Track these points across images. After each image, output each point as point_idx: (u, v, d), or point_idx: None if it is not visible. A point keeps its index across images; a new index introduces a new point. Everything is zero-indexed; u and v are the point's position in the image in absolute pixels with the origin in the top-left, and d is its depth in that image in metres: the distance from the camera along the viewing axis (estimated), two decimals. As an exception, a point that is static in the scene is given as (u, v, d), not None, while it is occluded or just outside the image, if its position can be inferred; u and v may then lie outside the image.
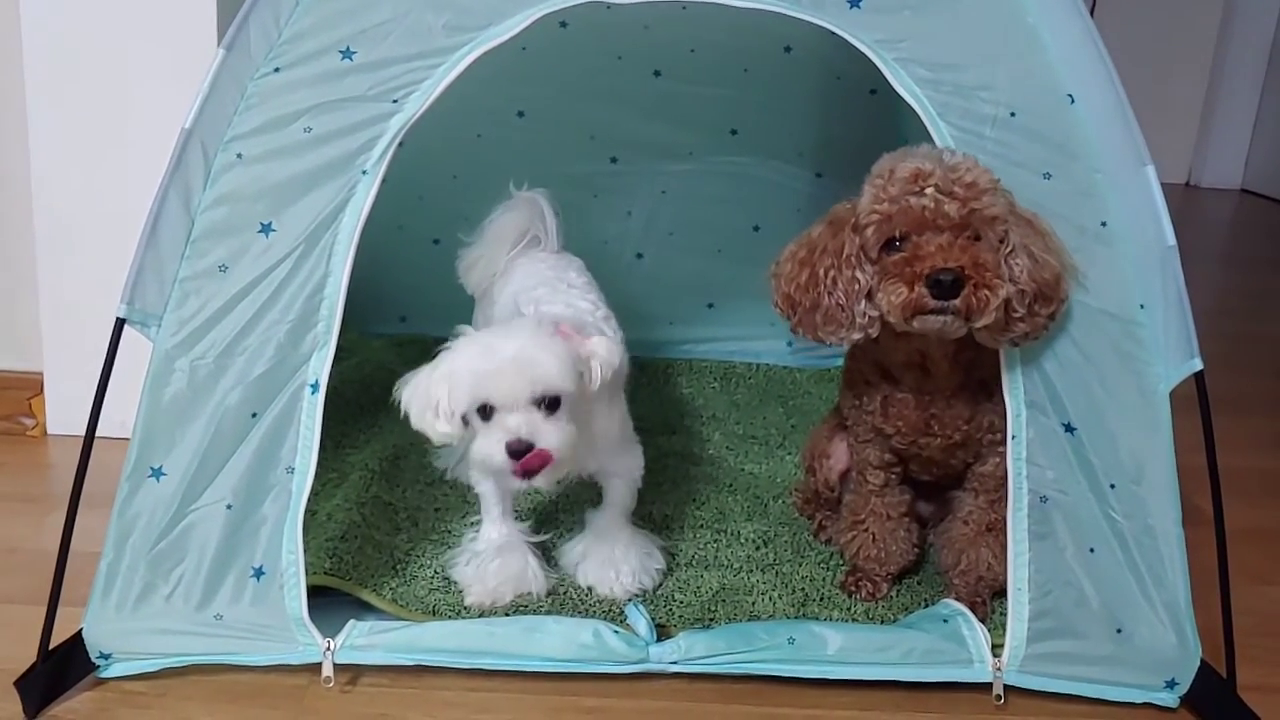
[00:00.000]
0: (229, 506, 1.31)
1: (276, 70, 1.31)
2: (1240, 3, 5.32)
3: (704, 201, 2.32)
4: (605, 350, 1.38)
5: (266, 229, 1.31)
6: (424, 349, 2.25)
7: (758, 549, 1.68)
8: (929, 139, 1.37)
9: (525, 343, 1.30)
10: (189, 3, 1.84)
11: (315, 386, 1.32)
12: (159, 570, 1.30)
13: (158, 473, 1.30)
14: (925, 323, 1.31)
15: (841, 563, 1.65)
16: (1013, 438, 1.36)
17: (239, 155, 1.31)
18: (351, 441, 1.91)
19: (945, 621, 1.43)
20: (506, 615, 1.46)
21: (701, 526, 1.74)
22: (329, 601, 1.42)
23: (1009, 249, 1.32)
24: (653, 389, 2.27)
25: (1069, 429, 1.36)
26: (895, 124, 1.95)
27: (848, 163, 2.19)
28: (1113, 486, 1.37)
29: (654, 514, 1.74)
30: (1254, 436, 2.43)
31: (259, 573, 1.32)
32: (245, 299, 1.30)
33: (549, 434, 1.28)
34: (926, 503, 1.66)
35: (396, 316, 2.36)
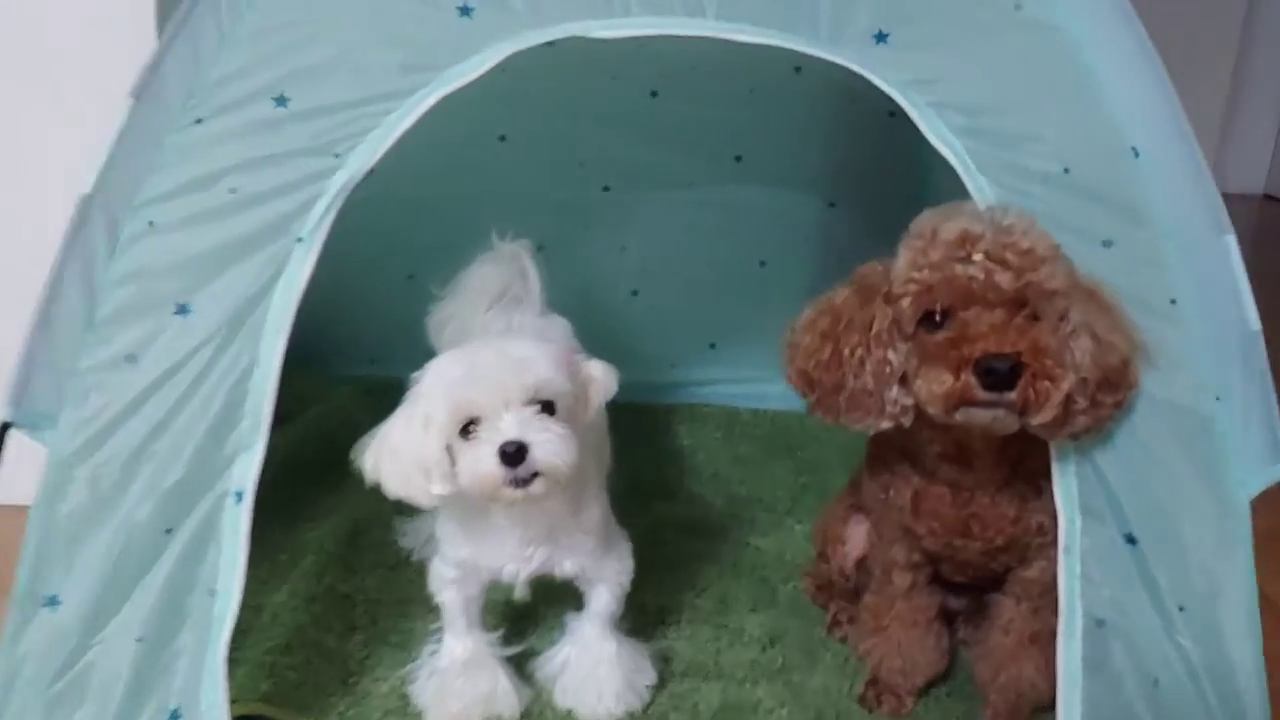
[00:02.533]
0: (139, 639, 1.11)
1: (198, 121, 1.12)
2: (1264, 2, 5.11)
3: (705, 234, 2.13)
4: (603, 375, 1.23)
5: (183, 310, 1.10)
6: (396, 395, 2.05)
7: (764, 650, 1.49)
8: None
9: (510, 344, 1.17)
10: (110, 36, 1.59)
11: (240, 496, 1.12)
12: (56, 715, 1.10)
13: (53, 601, 1.09)
14: (971, 416, 1.11)
15: (860, 666, 1.45)
16: (1065, 550, 1.17)
17: (151, 223, 1.11)
18: (310, 513, 1.71)
19: (983, 758, 1.24)
20: (473, 745, 1.26)
21: (701, 621, 1.54)
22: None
23: (1070, 328, 1.11)
24: (651, 440, 2.07)
25: (1131, 540, 1.17)
26: (916, 150, 1.73)
27: (864, 191, 2.09)
28: (1181, 609, 1.18)
29: (647, 604, 1.54)
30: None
31: (175, 716, 1.11)
32: (157, 394, 1.10)
33: (546, 431, 1.11)
34: (957, 597, 1.46)
35: (366, 358, 2.16)
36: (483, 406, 1.10)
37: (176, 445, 1.10)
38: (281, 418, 1.96)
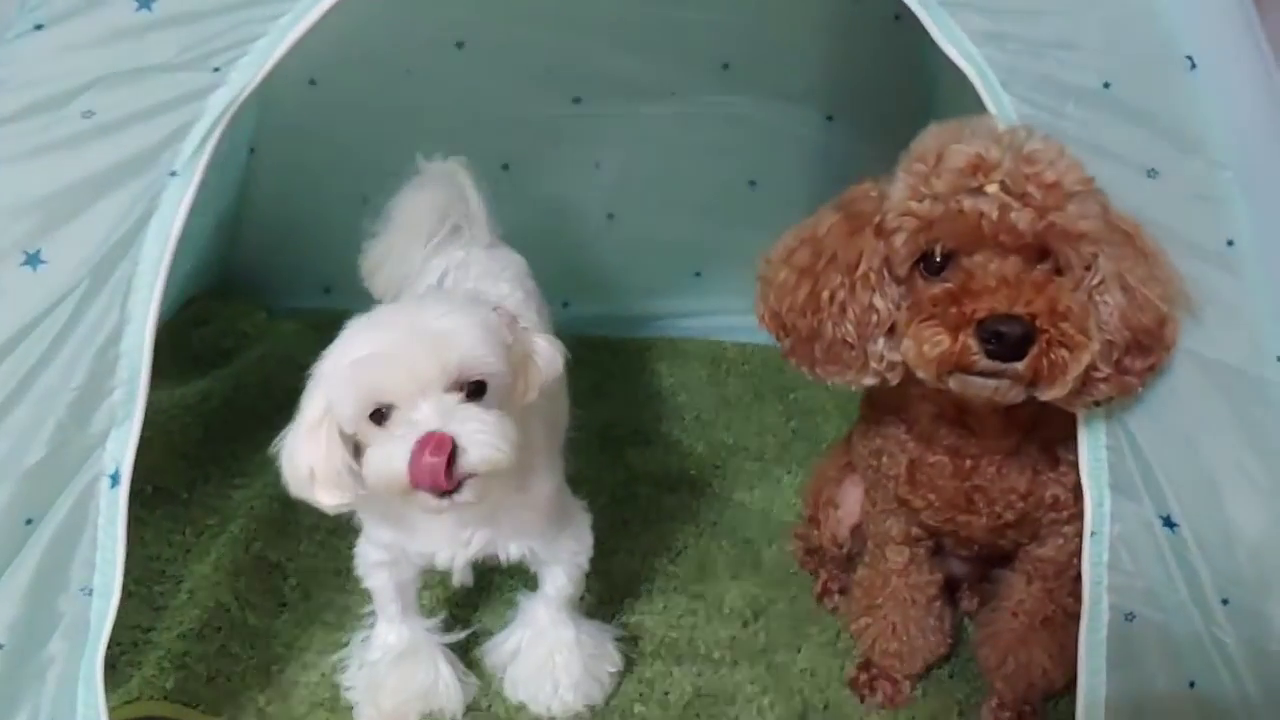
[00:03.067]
0: (1, 646, 0.95)
1: (38, 27, 0.93)
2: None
3: (689, 151, 1.97)
4: (546, 350, 1.05)
5: (33, 260, 0.93)
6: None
7: (745, 625, 1.36)
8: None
9: (428, 312, 0.97)
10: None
11: (115, 478, 0.95)
12: (-95, 735, 0.96)
13: (-103, 605, 0.94)
14: (968, 385, 0.94)
15: (851, 643, 1.32)
16: (1091, 534, 1.03)
17: (-13, 155, 0.92)
18: (242, 467, 1.55)
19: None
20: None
21: (675, 590, 1.41)
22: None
23: (1097, 279, 0.93)
24: (627, 378, 1.92)
25: (1169, 524, 1.04)
26: (924, 58, 1.64)
27: (865, 104, 1.93)
28: (1225, 602, 1.05)
29: (614, 571, 1.41)
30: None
31: (46, 733, 0.97)
32: (6, 360, 0.92)
33: (476, 421, 0.92)
34: (963, 563, 1.31)
35: (319, 288, 2.00)
36: (395, 393, 0.92)
37: (34, 421, 0.93)
38: (219, 357, 1.85)
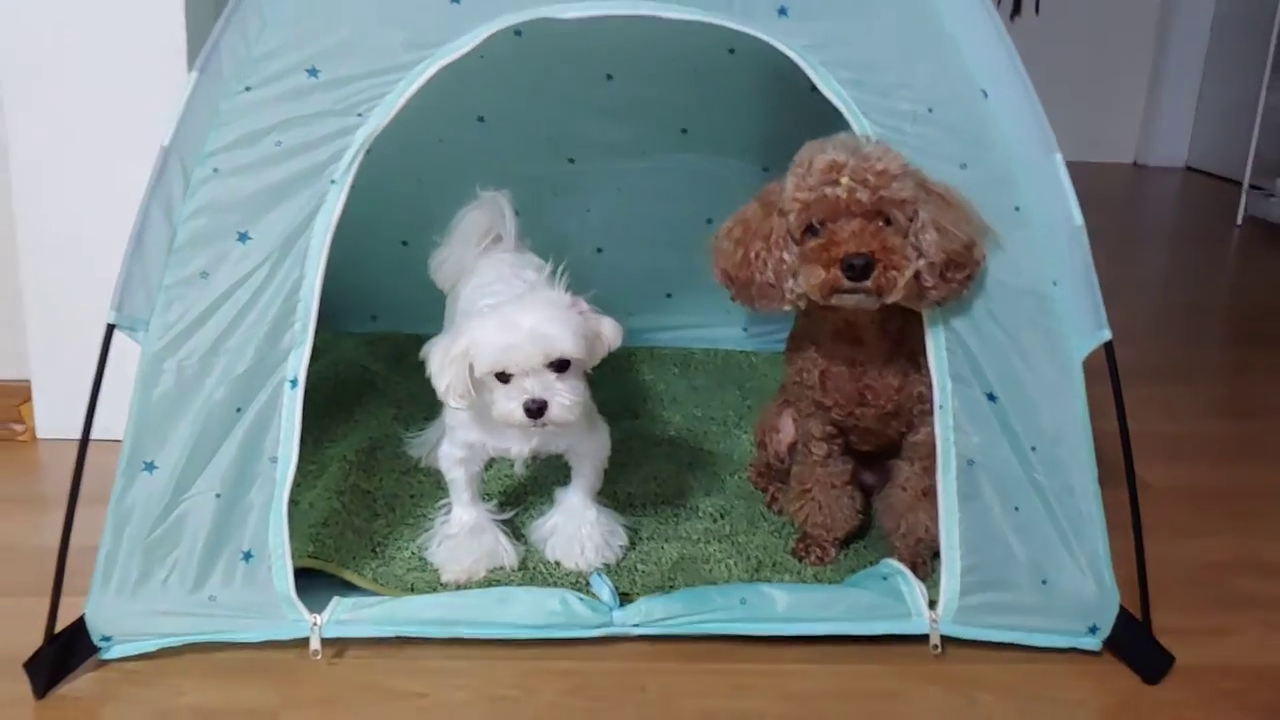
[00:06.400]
0: (218, 495, 1.41)
1: (247, 89, 1.41)
2: (1177, -8, 5.49)
3: (658, 197, 2.41)
4: (611, 331, 1.51)
5: (243, 237, 1.40)
6: (394, 345, 2.35)
7: (715, 521, 1.79)
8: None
9: (540, 317, 1.41)
10: (158, 27, 1.92)
11: (294, 382, 1.42)
12: (155, 556, 1.40)
13: (150, 466, 1.39)
14: (843, 300, 1.43)
15: (793, 531, 1.76)
16: (940, 407, 1.47)
17: (215, 169, 1.40)
18: (329, 436, 2.01)
19: (885, 579, 1.55)
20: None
21: (662, 503, 1.84)
22: (314, 583, 1.51)
23: (919, 225, 1.43)
24: (616, 376, 2.35)
25: (991, 398, 1.47)
26: (836, 118, 2.01)
27: (793, 156, 2.37)
28: (1034, 449, 1.48)
29: (618, 493, 1.84)
30: (1197, 403, 2.58)
31: (248, 556, 1.42)
32: (226, 303, 1.40)
33: (561, 392, 1.41)
34: (870, 473, 1.77)
35: (368, 315, 2.44)
36: (515, 368, 1.41)
37: (243, 343, 1.40)
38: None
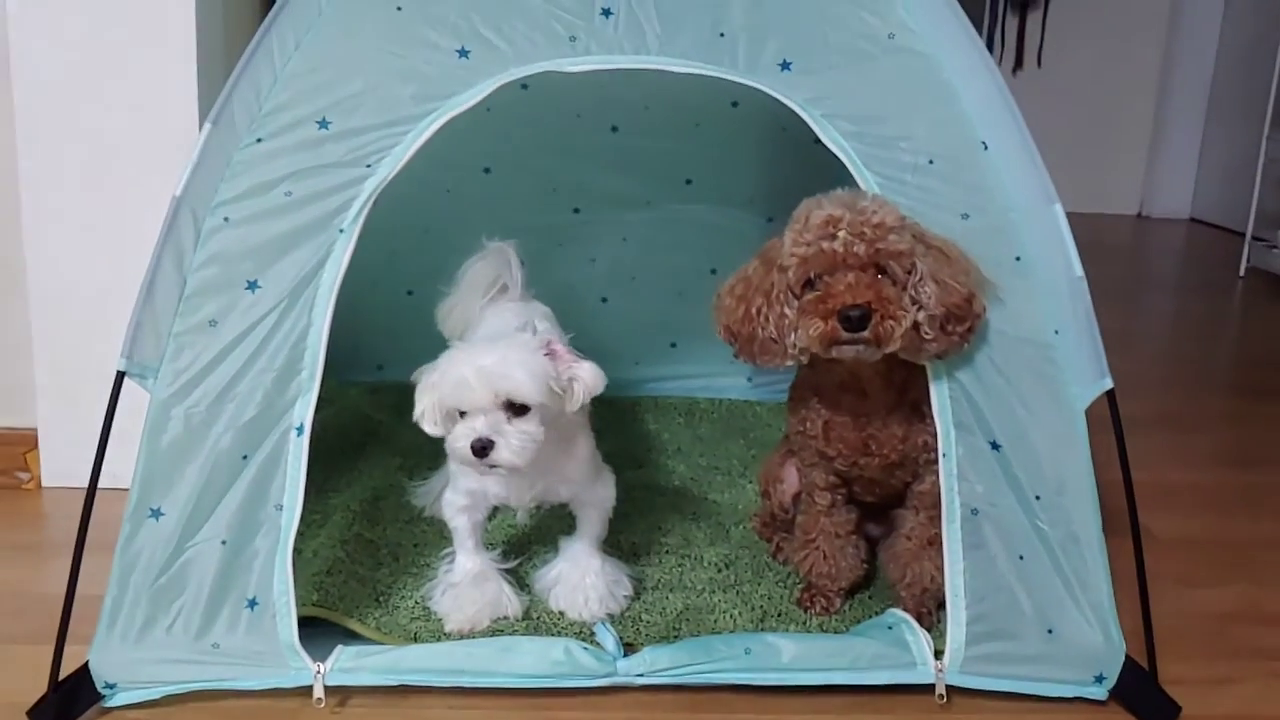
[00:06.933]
0: (223, 542, 1.41)
1: (259, 141, 1.44)
2: (1180, 40, 5.55)
3: (663, 247, 2.42)
4: (590, 376, 1.49)
5: (253, 286, 1.42)
6: (400, 395, 2.35)
7: (720, 571, 1.79)
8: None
9: (497, 358, 1.41)
10: (171, 79, 1.96)
11: (300, 429, 1.43)
12: (160, 603, 1.40)
13: (157, 513, 1.40)
14: (843, 352, 1.44)
15: (798, 581, 1.75)
16: (944, 456, 1.48)
17: (226, 219, 1.43)
18: (333, 485, 2.01)
19: (890, 629, 1.55)
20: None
21: (667, 552, 1.84)
22: (317, 632, 1.51)
23: (918, 278, 1.44)
24: (620, 426, 2.37)
25: (995, 446, 1.48)
26: (838, 169, 2.04)
27: (796, 207, 2.40)
28: (1038, 498, 1.48)
29: (622, 542, 1.84)
30: (1201, 453, 2.58)
31: (253, 603, 1.42)
32: (234, 350, 1.42)
33: (510, 435, 1.40)
34: (875, 524, 1.77)
35: (374, 365, 2.46)
36: (466, 407, 1.41)
37: (251, 389, 1.42)
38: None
